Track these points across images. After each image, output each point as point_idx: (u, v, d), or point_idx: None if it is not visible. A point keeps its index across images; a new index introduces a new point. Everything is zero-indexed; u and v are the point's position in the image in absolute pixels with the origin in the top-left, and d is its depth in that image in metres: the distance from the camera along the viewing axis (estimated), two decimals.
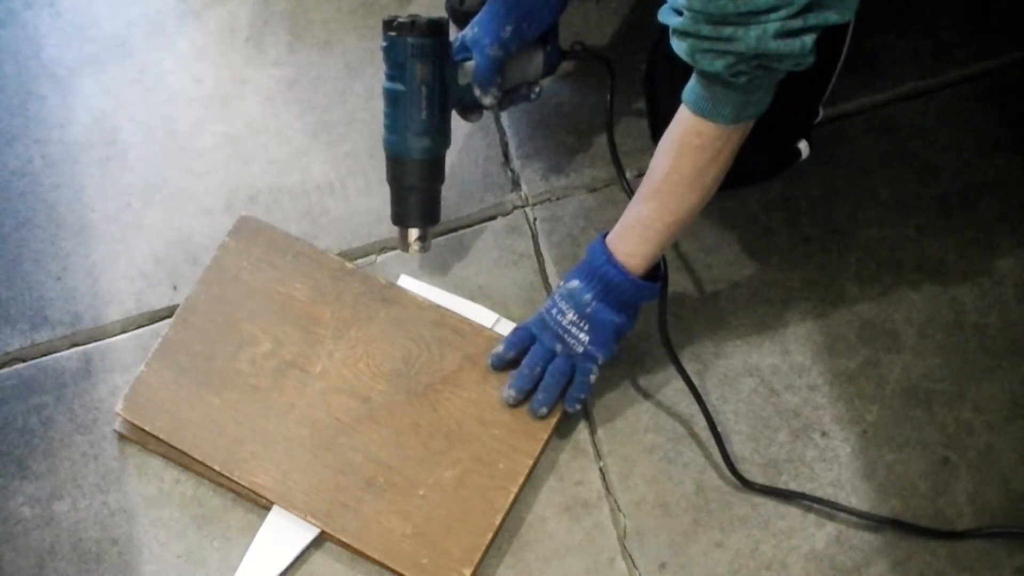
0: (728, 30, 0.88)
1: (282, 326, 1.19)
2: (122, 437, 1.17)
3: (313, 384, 1.16)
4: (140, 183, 1.31)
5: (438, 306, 1.20)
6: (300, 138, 1.33)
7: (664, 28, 0.95)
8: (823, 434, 1.17)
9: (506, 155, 1.32)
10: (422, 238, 1.19)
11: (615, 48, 1.36)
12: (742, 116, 0.97)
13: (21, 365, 1.22)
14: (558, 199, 1.29)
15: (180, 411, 1.15)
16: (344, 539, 1.10)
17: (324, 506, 1.10)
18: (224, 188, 1.30)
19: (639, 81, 1.27)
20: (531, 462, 1.12)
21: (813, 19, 0.88)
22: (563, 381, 1.11)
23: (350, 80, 1.36)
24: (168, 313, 1.23)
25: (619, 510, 1.14)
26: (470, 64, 1.15)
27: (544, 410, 1.12)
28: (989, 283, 1.23)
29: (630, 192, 1.18)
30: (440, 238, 1.25)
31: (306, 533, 1.11)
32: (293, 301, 1.20)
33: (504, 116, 1.33)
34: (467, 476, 1.11)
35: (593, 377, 1.11)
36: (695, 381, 1.17)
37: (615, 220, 1.09)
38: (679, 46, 0.93)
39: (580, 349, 1.10)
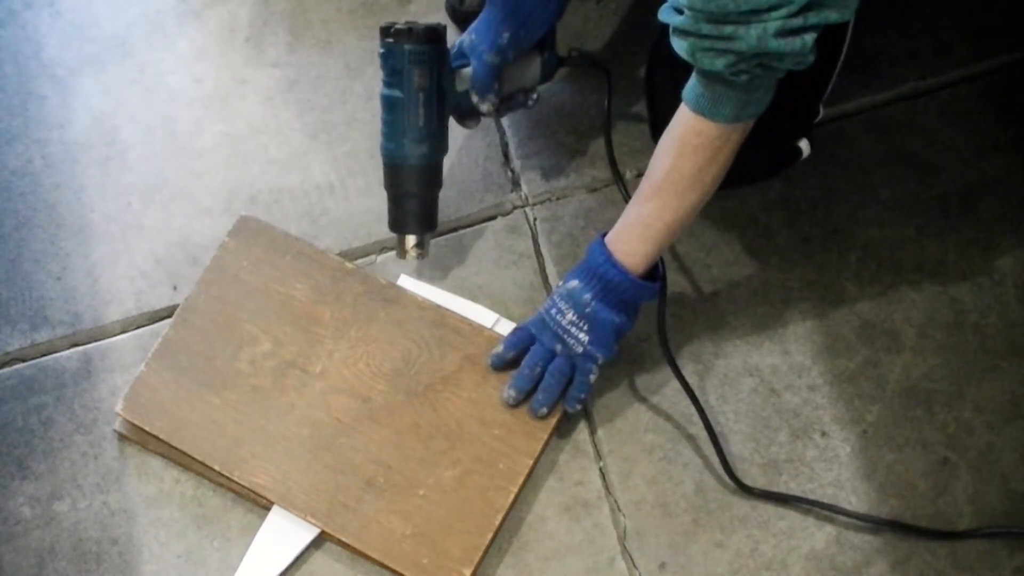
0: (729, 29, 0.88)
1: (282, 326, 1.19)
2: (122, 437, 1.17)
3: (313, 384, 1.16)
4: (140, 183, 1.31)
5: (438, 306, 1.20)
6: (300, 138, 1.33)
7: (664, 27, 0.95)
8: (823, 434, 1.17)
9: (506, 155, 1.32)
10: (420, 245, 1.19)
11: (614, 49, 1.36)
12: (742, 115, 0.97)
13: (21, 365, 1.22)
14: (558, 199, 1.29)
15: (180, 411, 1.15)
16: (344, 539, 1.10)
17: (324, 506, 1.10)
18: (224, 188, 1.30)
19: (638, 82, 1.27)
20: (531, 462, 1.12)
21: (814, 18, 0.88)
22: (563, 381, 1.11)
23: (350, 80, 1.36)
24: (168, 313, 1.23)
25: (619, 510, 1.14)
26: (467, 70, 1.15)
27: (544, 410, 1.12)
28: (989, 283, 1.23)
29: (627, 196, 1.18)
30: (440, 238, 1.25)
31: (306, 533, 1.11)
32: (293, 301, 1.20)
33: (504, 117, 1.33)
34: (467, 476, 1.11)
35: (593, 377, 1.11)
36: (695, 381, 1.18)
37: (615, 220, 1.09)
38: (679, 45, 0.93)
39: (580, 349, 1.10)
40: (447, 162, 1.19)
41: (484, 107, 1.16)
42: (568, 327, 1.09)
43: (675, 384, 1.15)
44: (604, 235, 1.09)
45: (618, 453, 1.16)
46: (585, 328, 1.09)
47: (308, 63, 1.37)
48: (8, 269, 1.26)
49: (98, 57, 1.38)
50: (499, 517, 1.10)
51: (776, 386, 1.19)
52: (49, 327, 1.23)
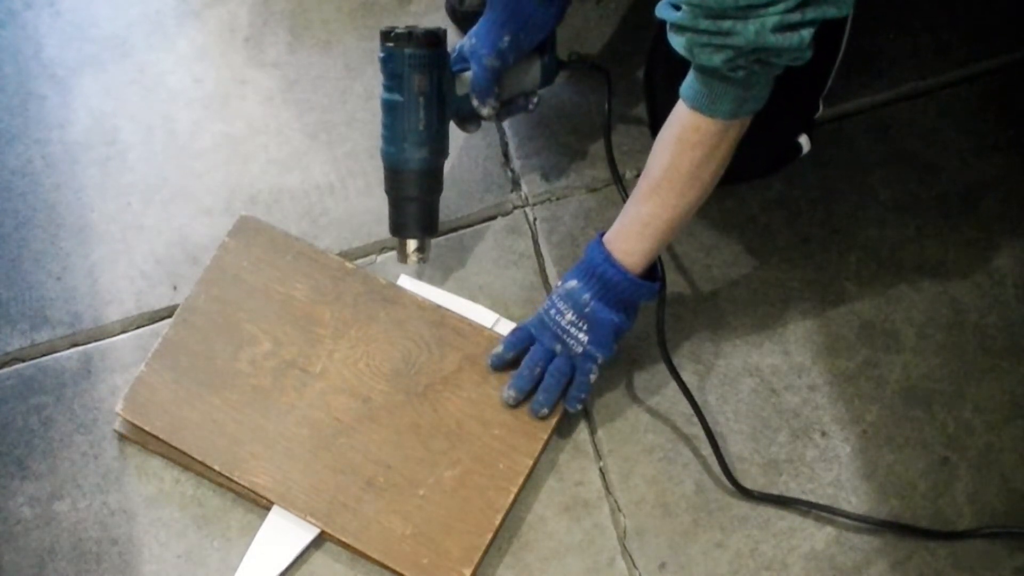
0: (727, 24, 0.88)
1: (282, 326, 1.19)
2: (122, 437, 1.17)
3: (313, 384, 1.16)
4: (140, 183, 1.31)
5: (438, 306, 1.20)
6: (300, 138, 1.33)
7: (662, 24, 0.95)
8: (823, 434, 1.17)
9: (506, 155, 1.32)
10: (421, 249, 1.19)
11: (614, 49, 1.36)
12: (740, 111, 0.97)
13: (21, 365, 1.22)
14: (558, 199, 1.29)
15: (180, 411, 1.15)
16: (344, 539, 1.10)
17: (324, 506, 1.10)
18: (224, 188, 1.30)
19: (638, 82, 1.27)
20: (531, 462, 1.12)
21: (811, 13, 0.88)
22: (563, 381, 1.11)
23: (350, 80, 1.36)
24: (168, 313, 1.23)
25: (619, 510, 1.14)
26: (468, 74, 1.15)
27: (545, 411, 1.12)
28: (989, 283, 1.23)
29: (626, 196, 1.18)
30: (440, 238, 1.25)
31: (306, 533, 1.11)
32: (293, 301, 1.20)
33: (504, 121, 1.32)
34: (467, 476, 1.11)
35: (593, 377, 1.11)
36: (695, 381, 1.18)
37: (615, 220, 1.09)
38: (677, 41, 0.93)
39: (580, 349, 1.10)
40: (447, 163, 1.19)
41: (484, 111, 1.16)
42: (567, 327, 1.09)
43: (675, 384, 1.15)
44: (603, 234, 1.09)
45: (618, 453, 1.16)
46: (584, 328, 1.09)
47: (308, 63, 1.37)
48: (8, 269, 1.26)
49: (98, 57, 1.37)
50: (499, 517, 1.10)
51: (776, 386, 1.19)
52: (49, 327, 1.23)
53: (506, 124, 1.33)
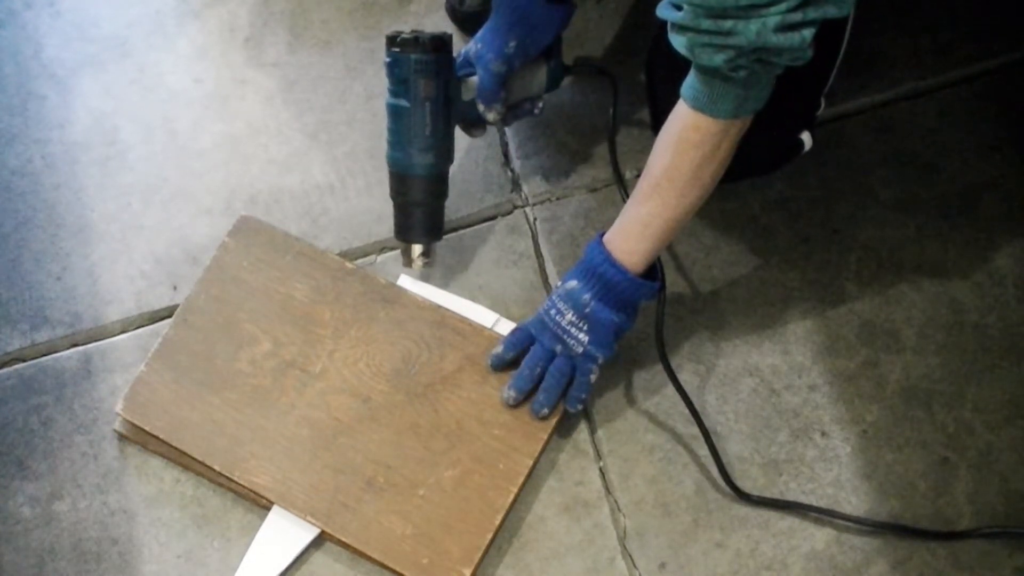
0: (728, 24, 0.88)
1: (282, 326, 1.19)
2: (122, 437, 1.17)
3: (313, 384, 1.16)
4: (140, 183, 1.31)
5: (438, 306, 1.20)
6: (300, 138, 1.33)
7: (663, 24, 0.95)
8: (823, 434, 1.17)
9: (506, 155, 1.32)
10: (426, 253, 1.19)
11: (614, 49, 1.36)
12: (741, 111, 0.97)
13: (21, 365, 1.22)
14: (558, 199, 1.29)
15: (180, 411, 1.15)
16: (344, 539, 1.10)
17: (324, 506, 1.10)
18: (224, 188, 1.30)
19: (639, 83, 1.27)
20: (531, 462, 1.12)
21: (812, 12, 0.88)
22: (564, 382, 1.11)
23: (350, 80, 1.36)
24: (168, 313, 1.23)
25: (619, 510, 1.14)
26: (474, 79, 1.15)
27: (545, 411, 1.12)
28: (989, 283, 1.23)
29: (627, 197, 1.18)
30: (440, 240, 1.25)
31: (306, 533, 1.11)
32: (293, 301, 1.20)
33: (510, 125, 1.32)
34: (467, 476, 1.11)
35: (594, 377, 1.11)
36: (695, 381, 1.18)
37: (615, 220, 1.09)
38: (678, 41, 0.93)
39: (580, 349, 1.10)
40: None
41: (490, 116, 1.16)
42: (568, 327, 1.09)
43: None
44: (603, 234, 1.09)
45: (618, 453, 1.16)
46: (585, 328, 1.09)
47: (308, 63, 1.37)
48: (8, 269, 1.26)
49: (98, 57, 1.38)
50: (499, 517, 1.10)
51: (776, 386, 1.19)
52: (49, 327, 1.23)
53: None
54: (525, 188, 1.30)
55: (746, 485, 1.13)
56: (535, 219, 1.28)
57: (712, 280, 1.24)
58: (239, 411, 1.15)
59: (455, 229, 1.27)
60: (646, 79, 1.23)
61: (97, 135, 1.33)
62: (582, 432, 1.17)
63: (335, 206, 1.29)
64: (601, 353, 1.10)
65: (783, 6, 0.87)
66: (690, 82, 0.98)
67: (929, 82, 1.33)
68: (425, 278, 1.23)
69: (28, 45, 1.38)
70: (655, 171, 1.04)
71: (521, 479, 1.12)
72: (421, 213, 1.18)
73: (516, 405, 1.13)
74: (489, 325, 1.19)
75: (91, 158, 1.32)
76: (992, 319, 1.21)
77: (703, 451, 1.15)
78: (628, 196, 1.13)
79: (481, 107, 1.15)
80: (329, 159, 1.32)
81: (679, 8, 0.91)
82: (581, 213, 1.28)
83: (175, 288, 1.25)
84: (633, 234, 1.06)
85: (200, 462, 1.13)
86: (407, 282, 1.23)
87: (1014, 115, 1.31)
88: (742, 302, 1.23)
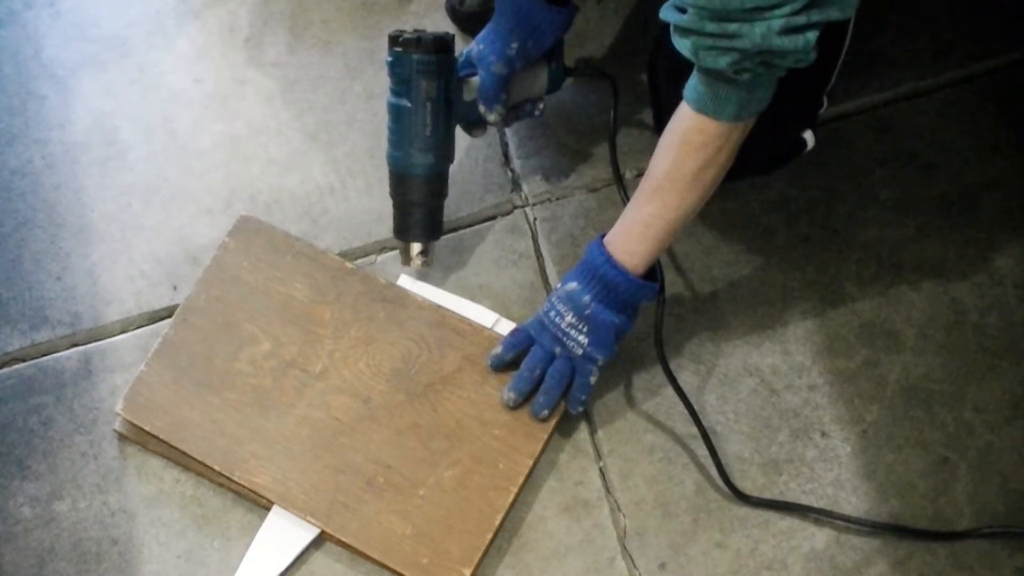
0: (733, 27, 0.88)
1: (282, 326, 1.19)
2: (122, 437, 1.17)
3: (313, 384, 1.16)
4: (140, 183, 1.31)
5: (438, 306, 1.20)
6: (300, 138, 1.33)
7: (665, 25, 0.95)
8: (823, 434, 1.17)
9: (506, 155, 1.32)
10: (424, 252, 1.19)
11: (614, 49, 1.36)
12: (744, 113, 0.98)
13: (21, 365, 1.22)
14: (558, 199, 1.29)
15: (180, 411, 1.15)
16: (344, 539, 1.10)
17: (324, 506, 1.10)
18: (224, 188, 1.30)
19: (639, 83, 1.27)
20: (531, 462, 1.12)
21: (816, 15, 0.88)
22: (564, 383, 1.11)
23: (350, 80, 1.36)
24: (168, 313, 1.23)
25: (619, 510, 1.14)
26: (475, 80, 1.15)
27: (545, 412, 1.12)
28: (989, 283, 1.23)
29: (626, 198, 1.18)
30: (440, 238, 1.25)
31: (306, 533, 1.11)
32: (293, 301, 1.20)
33: (511, 126, 1.32)
34: (467, 476, 1.11)
35: (594, 379, 1.11)
36: (695, 381, 1.18)
37: (615, 220, 1.09)
38: (682, 44, 0.93)
39: (580, 351, 1.10)
40: None
41: (491, 117, 1.16)
42: (567, 329, 1.09)
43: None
44: (603, 236, 1.09)
45: (618, 453, 1.16)
46: (585, 330, 1.09)
47: (308, 63, 1.37)
48: (8, 269, 1.26)
49: (98, 57, 1.38)
50: (499, 517, 1.10)
51: (776, 386, 1.19)
52: (49, 327, 1.23)
53: None
54: (525, 188, 1.30)
55: (746, 485, 1.13)
56: (535, 219, 1.28)
57: (712, 280, 1.24)
58: (239, 411, 1.15)
59: (455, 229, 1.27)
60: (648, 80, 1.23)
61: (97, 135, 1.33)
62: (582, 432, 1.17)
63: (335, 206, 1.29)
64: (601, 355, 1.09)
65: (787, 8, 0.87)
66: (693, 84, 0.98)
67: (929, 82, 1.33)
68: (425, 278, 1.24)
69: (28, 45, 1.38)
70: (657, 172, 1.04)
71: (521, 479, 1.12)
72: (420, 212, 1.18)
73: (516, 407, 1.13)
74: (489, 325, 1.19)
75: (91, 158, 1.32)
76: (992, 319, 1.21)
77: (703, 451, 1.15)
78: (628, 196, 1.13)
79: (482, 108, 1.16)
80: (329, 159, 1.32)
81: (683, 11, 0.91)
82: (581, 213, 1.28)
83: (175, 288, 1.25)
84: (634, 235, 1.06)
85: (200, 462, 1.13)
86: (407, 282, 1.23)
87: (1014, 115, 1.31)
88: (742, 302, 1.23)
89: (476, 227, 1.28)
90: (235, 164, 1.32)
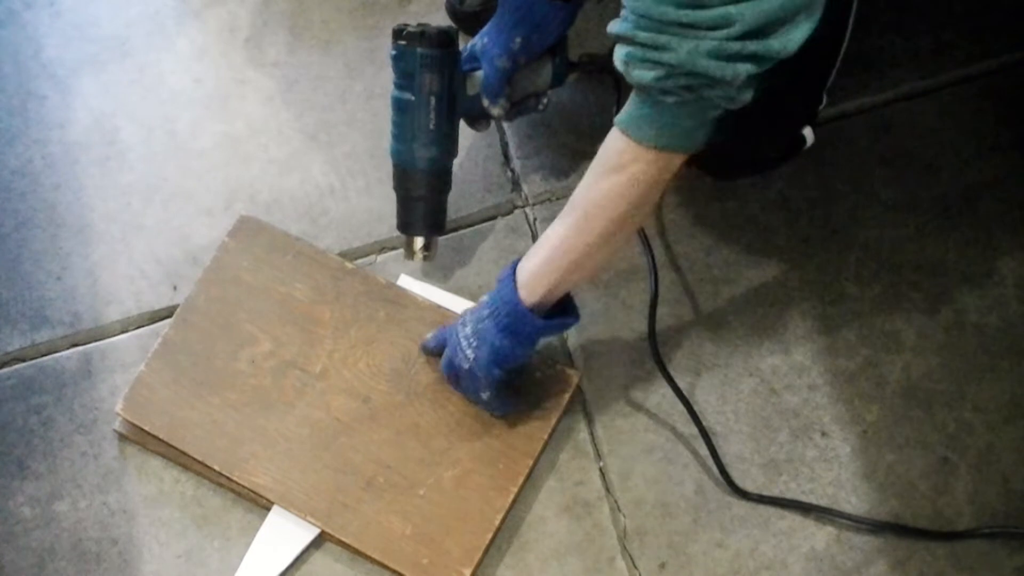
0: (663, 39, 0.85)
1: (282, 326, 1.19)
2: (122, 437, 1.17)
3: (313, 384, 1.16)
4: (140, 183, 1.31)
5: (438, 306, 1.20)
6: (300, 138, 1.33)
7: None
8: (823, 434, 1.17)
9: (506, 155, 1.32)
10: (427, 247, 1.19)
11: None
12: (664, 141, 0.93)
13: (21, 365, 1.22)
14: (558, 199, 1.29)
15: (180, 411, 1.15)
16: (344, 539, 1.10)
17: (324, 506, 1.10)
18: (224, 188, 1.30)
19: None
20: (531, 462, 1.12)
21: (753, 46, 0.84)
22: (476, 386, 1.08)
23: (350, 80, 1.36)
24: (168, 313, 1.23)
25: (619, 510, 1.14)
26: (479, 74, 1.15)
27: (496, 413, 1.11)
28: (989, 283, 1.23)
29: None
30: (440, 238, 1.25)
31: (306, 533, 1.11)
32: (293, 301, 1.20)
33: (514, 121, 1.32)
34: (467, 476, 1.11)
35: (485, 395, 1.08)
36: (695, 381, 1.18)
37: None
38: (617, 55, 0.90)
39: (466, 366, 1.07)
40: None
41: (494, 111, 1.16)
42: (462, 340, 1.06)
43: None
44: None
45: (618, 453, 1.16)
46: (475, 345, 1.06)
47: (308, 63, 1.37)
48: (8, 269, 1.26)
49: (98, 57, 1.38)
50: (499, 517, 1.10)
51: (776, 386, 1.19)
52: (49, 327, 1.23)
53: (506, 124, 1.33)
54: (525, 188, 1.30)
55: (746, 485, 1.13)
56: (535, 219, 1.28)
57: (712, 280, 1.24)
58: (239, 411, 1.15)
59: (455, 229, 1.27)
60: None
61: (97, 135, 1.33)
62: (582, 432, 1.17)
63: (335, 206, 1.29)
64: (481, 373, 1.06)
65: (723, 32, 0.83)
66: (625, 105, 0.95)
67: (929, 82, 1.33)
68: (425, 278, 1.24)
69: (28, 45, 1.38)
70: (576, 192, 1.00)
71: (521, 479, 1.12)
72: (423, 207, 1.18)
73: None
74: None
75: (91, 158, 1.32)
76: (992, 319, 1.21)
77: (703, 451, 1.15)
78: None
79: (485, 102, 1.15)
80: (329, 159, 1.32)
81: (626, 20, 0.89)
82: None
83: (175, 288, 1.25)
84: (539, 257, 1.02)
85: (200, 462, 1.13)
86: (407, 282, 1.23)
87: (1014, 115, 1.31)
88: (742, 302, 1.23)
89: (476, 227, 1.28)
90: (235, 164, 1.32)
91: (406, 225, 1.19)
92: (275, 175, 1.31)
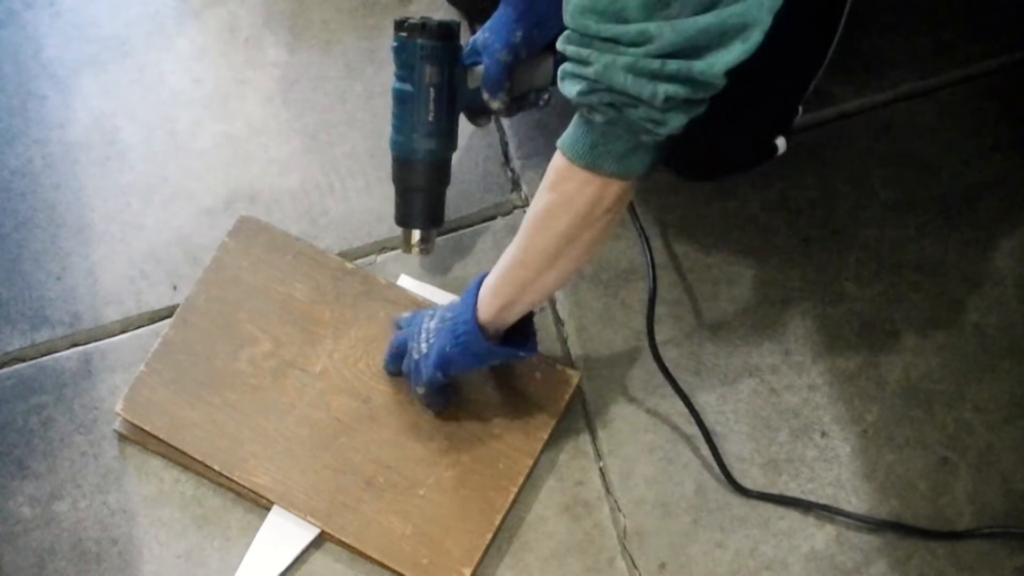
0: (585, 52, 0.84)
1: (282, 326, 1.19)
2: (122, 437, 1.17)
3: (313, 384, 1.16)
4: (140, 183, 1.31)
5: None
6: (300, 138, 1.33)
7: None
8: (823, 434, 1.17)
9: (506, 155, 1.32)
10: (424, 240, 1.19)
11: None
12: (596, 162, 0.91)
13: (21, 365, 1.22)
14: None
15: (180, 411, 1.15)
16: (344, 539, 1.10)
17: (324, 506, 1.10)
18: (224, 188, 1.30)
19: None
20: (531, 462, 1.12)
21: (674, 65, 0.81)
22: (418, 379, 1.09)
23: (350, 80, 1.36)
24: (168, 313, 1.23)
25: (619, 510, 1.14)
26: (480, 68, 1.15)
27: (420, 389, 1.10)
28: (989, 283, 1.23)
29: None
30: (440, 238, 1.25)
31: (306, 533, 1.11)
32: (293, 301, 1.20)
33: (515, 116, 1.32)
34: (467, 476, 1.11)
35: (420, 390, 1.09)
36: (695, 381, 1.18)
37: None
38: (559, 71, 0.90)
39: (416, 356, 1.07)
40: None
41: (495, 105, 1.16)
42: (422, 331, 1.07)
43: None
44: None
45: (618, 453, 1.16)
46: (430, 342, 1.06)
47: (308, 63, 1.37)
48: (8, 269, 1.26)
49: (98, 57, 1.38)
50: (499, 517, 1.10)
51: (776, 386, 1.19)
52: (49, 327, 1.23)
53: (506, 124, 1.33)
54: (525, 188, 1.30)
55: (746, 485, 1.13)
56: None
57: (712, 280, 1.24)
58: (239, 411, 1.15)
59: (455, 229, 1.27)
60: None
61: (97, 135, 1.33)
62: (582, 432, 1.17)
63: (335, 206, 1.29)
64: (424, 371, 1.07)
65: (642, 49, 0.81)
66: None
67: (929, 82, 1.33)
68: (425, 278, 1.24)
69: (28, 45, 1.38)
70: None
71: (521, 479, 1.12)
72: (421, 199, 1.18)
73: (393, 376, 1.14)
74: None
75: (91, 158, 1.32)
76: (992, 319, 1.21)
77: (703, 451, 1.15)
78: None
79: (486, 96, 1.15)
80: (329, 159, 1.32)
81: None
82: None
83: (175, 288, 1.25)
84: (495, 272, 1.02)
85: (200, 462, 1.13)
86: (407, 282, 1.23)
87: (1014, 115, 1.31)
88: (742, 302, 1.23)
89: (476, 227, 1.28)
90: (235, 164, 1.32)
91: (404, 217, 1.19)
92: (275, 175, 1.31)
